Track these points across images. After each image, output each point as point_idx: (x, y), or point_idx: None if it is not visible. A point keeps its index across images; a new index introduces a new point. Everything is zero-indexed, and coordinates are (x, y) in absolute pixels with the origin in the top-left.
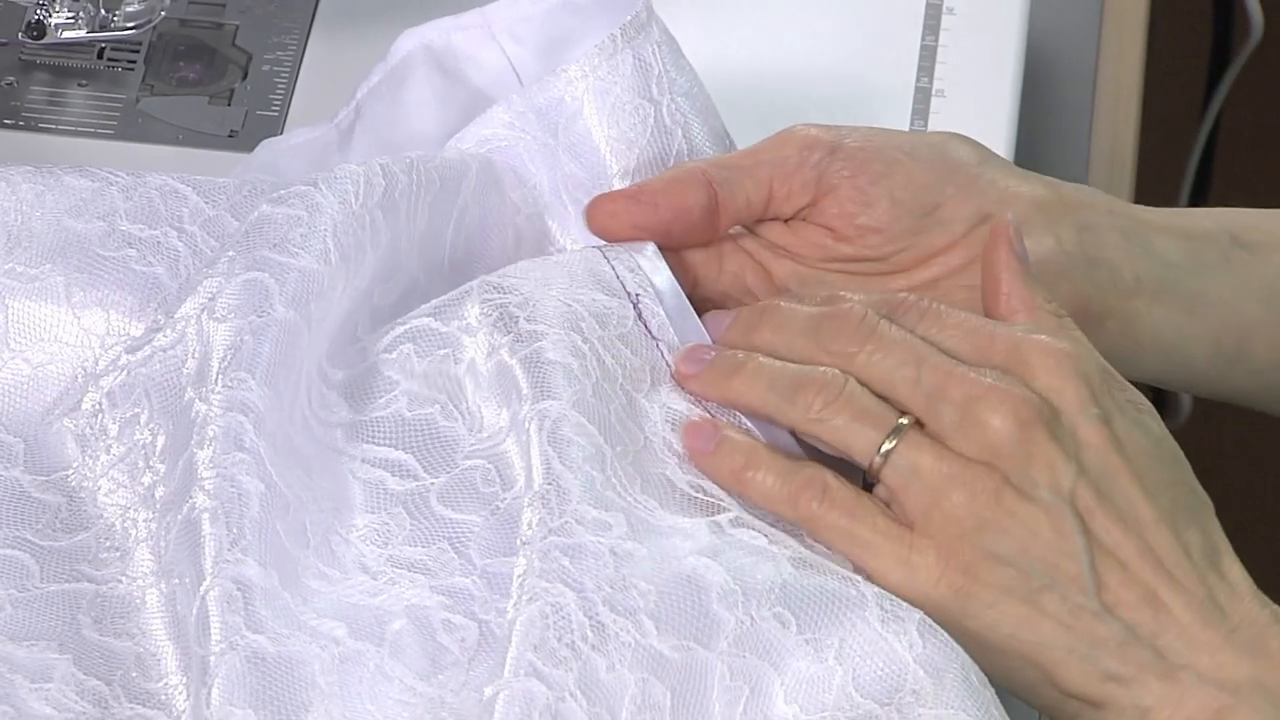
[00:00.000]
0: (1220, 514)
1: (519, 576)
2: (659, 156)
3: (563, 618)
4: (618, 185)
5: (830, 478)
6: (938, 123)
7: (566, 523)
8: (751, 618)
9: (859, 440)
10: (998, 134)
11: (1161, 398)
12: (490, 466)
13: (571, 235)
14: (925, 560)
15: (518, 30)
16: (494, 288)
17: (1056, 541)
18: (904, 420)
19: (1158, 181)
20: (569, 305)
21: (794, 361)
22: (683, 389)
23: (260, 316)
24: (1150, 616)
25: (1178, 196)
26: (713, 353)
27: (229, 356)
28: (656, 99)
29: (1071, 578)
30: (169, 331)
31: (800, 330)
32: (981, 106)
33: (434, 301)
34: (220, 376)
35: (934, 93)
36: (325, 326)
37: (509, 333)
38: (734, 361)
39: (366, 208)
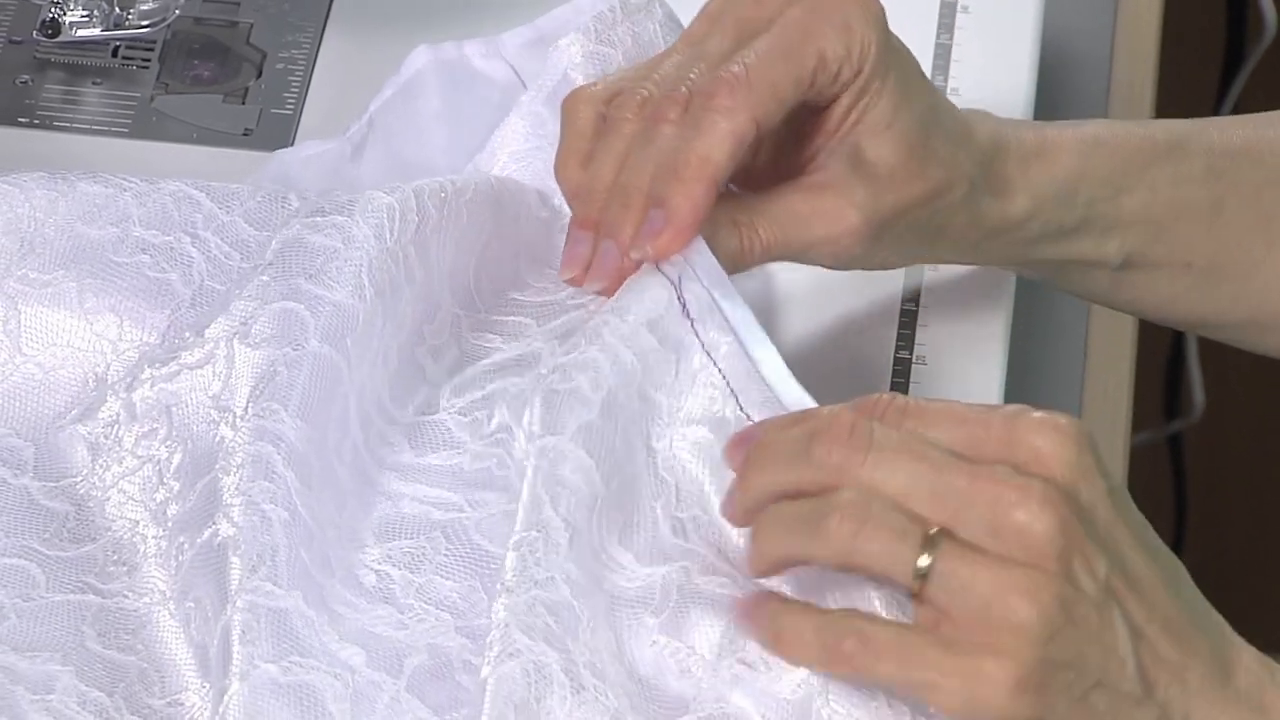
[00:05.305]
0: (1230, 515)
1: (499, 626)
2: None
3: (544, 677)
4: None
5: (866, 622)
6: None
7: (552, 578)
8: (715, 671)
9: (896, 561)
10: None
11: (1175, 398)
12: None
13: None
14: (996, 688)
15: (529, 52)
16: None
17: (1104, 634)
18: (933, 531)
19: None
20: (603, 318)
21: (792, 493)
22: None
23: (295, 350)
24: (1179, 691)
25: None
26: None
27: (261, 386)
28: None
29: (1118, 668)
30: (197, 350)
31: (789, 457)
32: (996, 105)
33: (503, 359)
34: (251, 405)
35: (949, 91)
36: (380, 364)
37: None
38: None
39: (401, 244)
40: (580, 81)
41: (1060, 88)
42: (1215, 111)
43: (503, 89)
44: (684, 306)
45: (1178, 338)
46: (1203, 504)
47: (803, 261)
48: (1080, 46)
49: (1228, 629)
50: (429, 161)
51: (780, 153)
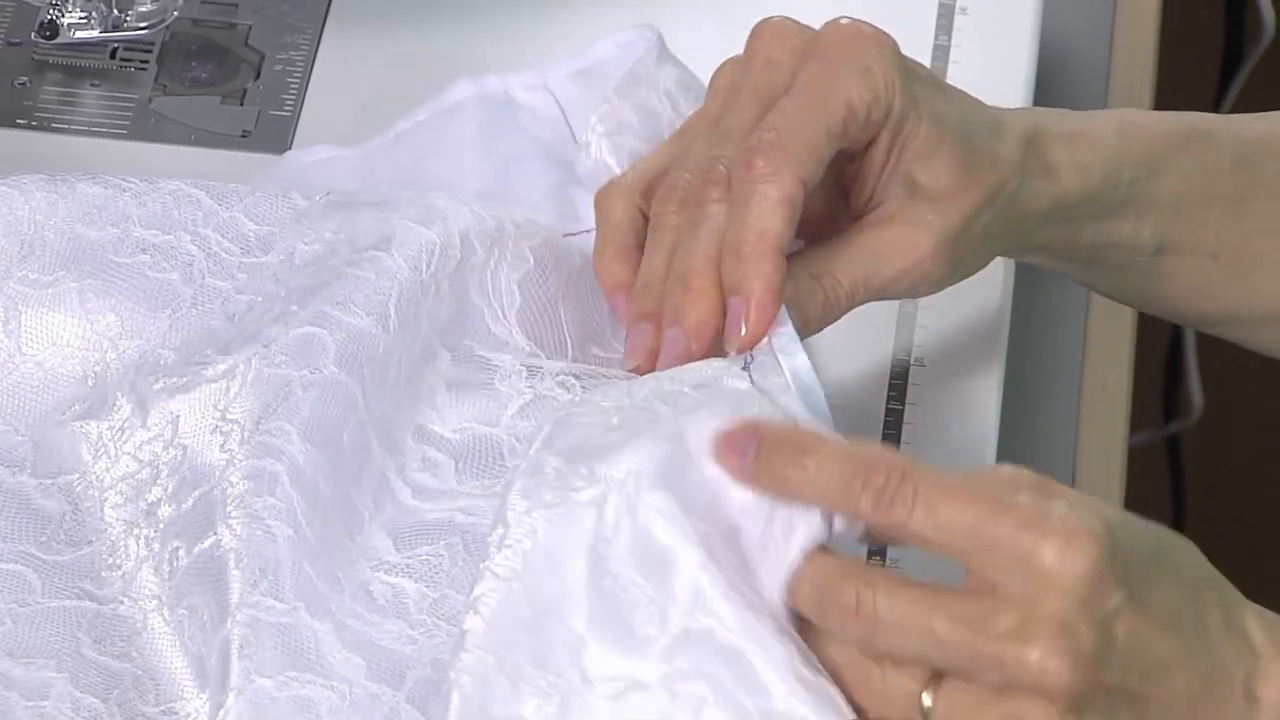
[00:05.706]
0: (1229, 514)
1: (454, 650)
2: None
3: (485, 683)
4: None
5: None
6: None
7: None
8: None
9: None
10: None
11: (1173, 399)
12: None
13: None
14: None
15: (572, 83)
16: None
17: None
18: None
19: None
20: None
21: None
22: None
23: (313, 373)
24: None
25: None
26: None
27: (275, 405)
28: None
29: None
30: (219, 365)
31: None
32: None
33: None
34: (261, 422)
35: None
36: (403, 391)
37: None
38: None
39: (436, 278)
40: (615, 171)
41: (1059, 89)
42: (1214, 111)
43: (541, 117)
44: (746, 366)
45: (1176, 339)
46: (1201, 505)
47: (885, 298)
48: (1079, 47)
49: (1257, 639)
50: (455, 179)
51: (833, 204)
